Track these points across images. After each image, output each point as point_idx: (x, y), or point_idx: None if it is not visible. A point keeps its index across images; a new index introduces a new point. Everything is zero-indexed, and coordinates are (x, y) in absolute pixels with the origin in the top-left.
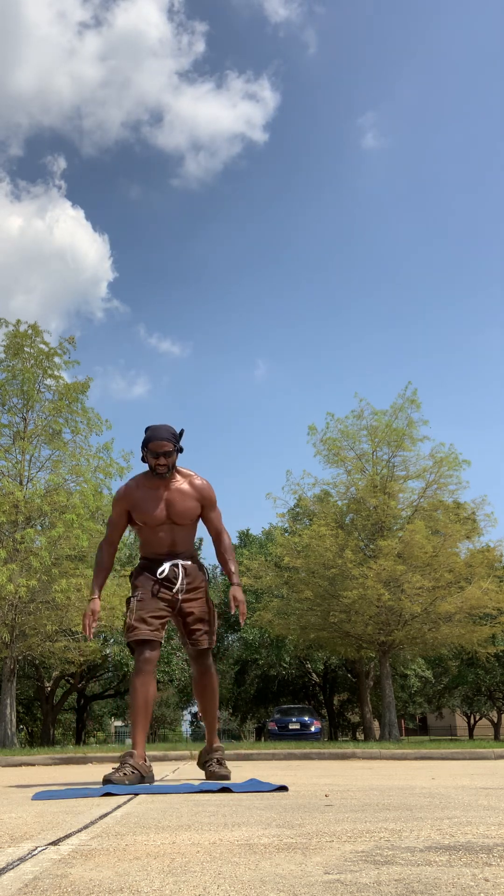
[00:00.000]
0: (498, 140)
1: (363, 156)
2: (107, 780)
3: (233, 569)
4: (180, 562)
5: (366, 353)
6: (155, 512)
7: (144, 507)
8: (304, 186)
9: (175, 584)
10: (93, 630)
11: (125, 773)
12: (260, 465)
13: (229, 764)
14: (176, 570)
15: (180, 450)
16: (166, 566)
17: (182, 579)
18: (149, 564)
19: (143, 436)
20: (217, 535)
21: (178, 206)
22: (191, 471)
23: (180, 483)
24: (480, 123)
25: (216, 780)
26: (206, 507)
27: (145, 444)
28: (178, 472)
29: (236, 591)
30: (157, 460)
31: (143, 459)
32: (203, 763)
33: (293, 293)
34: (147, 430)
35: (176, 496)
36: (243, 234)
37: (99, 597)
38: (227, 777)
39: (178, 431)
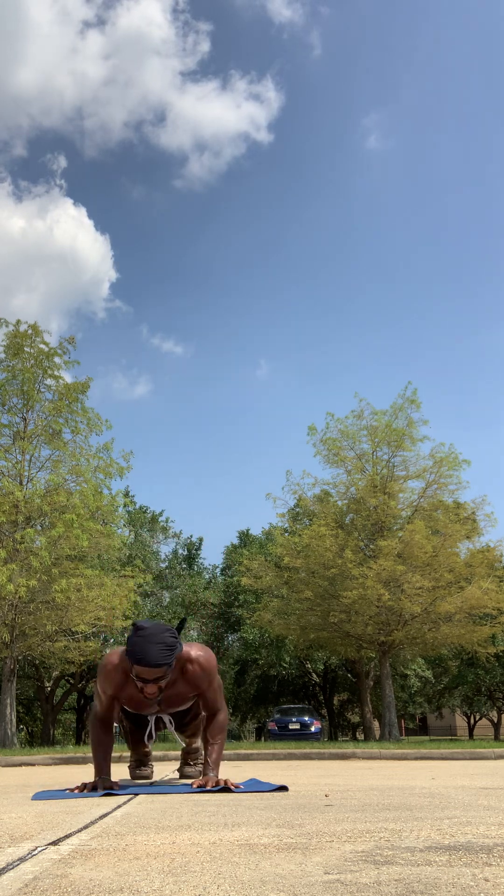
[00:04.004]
0: (502, 142)
1: (366, 157)
2: (137, 776)
3: (213, 757)
4: (165, 718)
5: (366, 353)
6: (145, 708)
7: (132, 703)
8: (307, 187)
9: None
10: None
11: (151, 771)
12: (260, 465)
13: (230, 764)
14: (157, 729)
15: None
16: (151, 718)
17: (154, 732)
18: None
19: (144, 435)
20: (210, 713)
21: (181, 207)
22: (184, 649)
23: (173, 679)
24: (484, 125)
25: (186, 779)
26: (200, 690)
27: (131, 661)
28: None
29: (209, 778)
30: (144, 685)
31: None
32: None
33: (296, 293)
34: (135, 637)
35: (172, 699)
36: (246, 235)
37: (109, 774)
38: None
39: (179, 625)
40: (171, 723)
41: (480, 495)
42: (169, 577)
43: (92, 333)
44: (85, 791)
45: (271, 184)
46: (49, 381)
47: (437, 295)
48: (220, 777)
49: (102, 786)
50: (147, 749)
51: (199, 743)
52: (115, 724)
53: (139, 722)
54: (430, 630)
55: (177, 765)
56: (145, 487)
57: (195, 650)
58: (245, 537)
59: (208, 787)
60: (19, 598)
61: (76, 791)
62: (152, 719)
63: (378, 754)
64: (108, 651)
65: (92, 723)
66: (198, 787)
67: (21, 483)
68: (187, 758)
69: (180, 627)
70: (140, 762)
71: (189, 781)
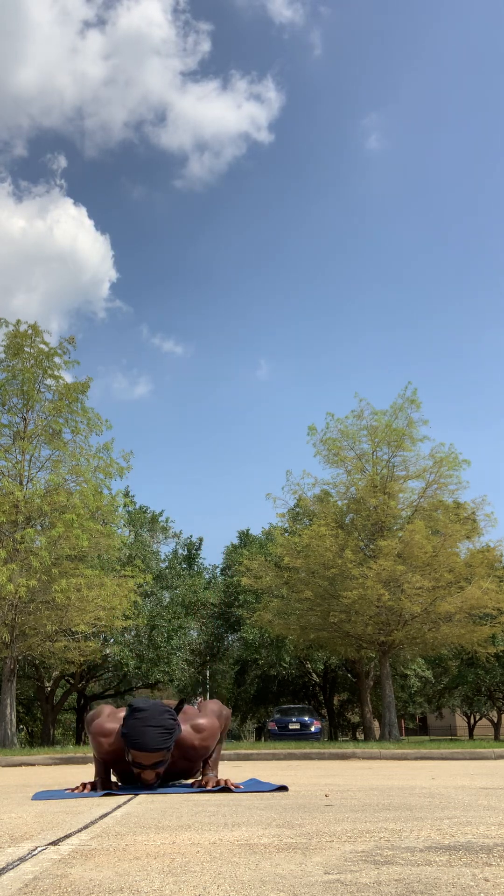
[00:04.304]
0: (502, 142)
1: (366, 157)
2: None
3: (213, 756)
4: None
5: (366, 353)
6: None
7: (127, 781)
8: (307, 187)
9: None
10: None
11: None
12: (260, 464)
13: (230, 764)
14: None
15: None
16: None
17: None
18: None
19: (144, 435)
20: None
21: (181, 207)
22: (184, 729)
23: (174, 758)
24: (484, 126)
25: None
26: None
27: (127, 745)
28: None
29: (209, 778)
30: (141, 771)
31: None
32: None
33: (296, 293)
34: (131, 719)
35: (174, 773)
36: (246, 235)
37: (109, 775)
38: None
39: (178, 706)
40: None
41: (480, 495)
42: (169, 577)
43: (92, 333)
44: (85, 791)
45: (271, 184)
46: (49, 381)
47: (438, 295)
48: (219, 777)
49: (102, 786)
50: None
51: None
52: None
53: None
54: (430, 630)
55: None
56: (145, 487)
57: (197, 731)
58: (245, 537)
59: (208, 787)
60: (19, 598)
61: (76, 791)
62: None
63: (378, 754)
64: (108, 651)
65: (90, 731)
66: (198, 787)
67: (21, 483)
68: None
69: (179, 709)
70: None
71: (189, 781)
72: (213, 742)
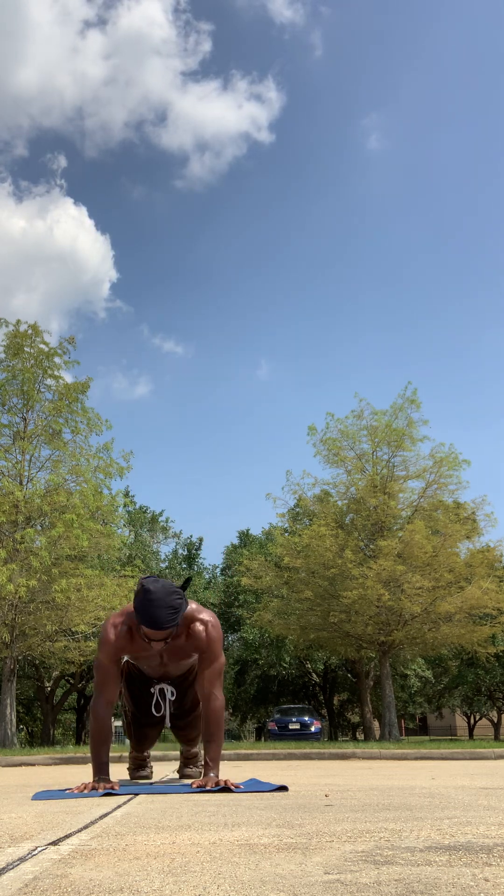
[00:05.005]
0: (502, 143)
1: (366, 157)
2: (137, 777)
3: (213, 754)
4: (167, 689)
5: (366, 353)
6: (151, 668)
7: (140, 663)
8: (308, 187)
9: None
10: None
11: (151, 771)
12: (260, 464)
13: (230, 764)
14: (162, 701)
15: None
16: (155, 690)
17: (167, 708)
18: (137, 687)
19: (144, 435)
20: (206, 697)
21: (182, 207)
22: (194, 608)
23: (179, 633)
24: (484, 126)
25: (187, 779)
26: (201, 658)
27: (139, 622)
28: None
29: (209, 778)
30: (152, 640)
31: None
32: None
33: (296, 293)
34: (143, 599)
35: (175, 652)
36: (246, 235)
37: (108, 773)
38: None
39: (184, 584)
40: (172, 694)
41: (480, 495)
42: (169, 577)
43: (92, 333)
44: (85, 791)
45: (272, 184)
46: (49, 381)
47: (438, 295)
48: (220, 777)
49: (102, 786)
50: (147, 754)
51: (198, 748)
52: (113, 726)
53: (142, 701)
54: (430, 630)
55: (176, 765)
56: (145, 487)
57: (205, 614)
58: (245, 537)
59: (208, 787)
60: (19, 598)
61: (76, 791)
62: (156, 691)
63: (378, 754)
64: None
65: (93, 709)
66: (198, 787)
67: (21, 483)
68: (187, 761)
69: (185, 586)
70: (140, 765)
71: (189, 781)
72: (213, 636)
